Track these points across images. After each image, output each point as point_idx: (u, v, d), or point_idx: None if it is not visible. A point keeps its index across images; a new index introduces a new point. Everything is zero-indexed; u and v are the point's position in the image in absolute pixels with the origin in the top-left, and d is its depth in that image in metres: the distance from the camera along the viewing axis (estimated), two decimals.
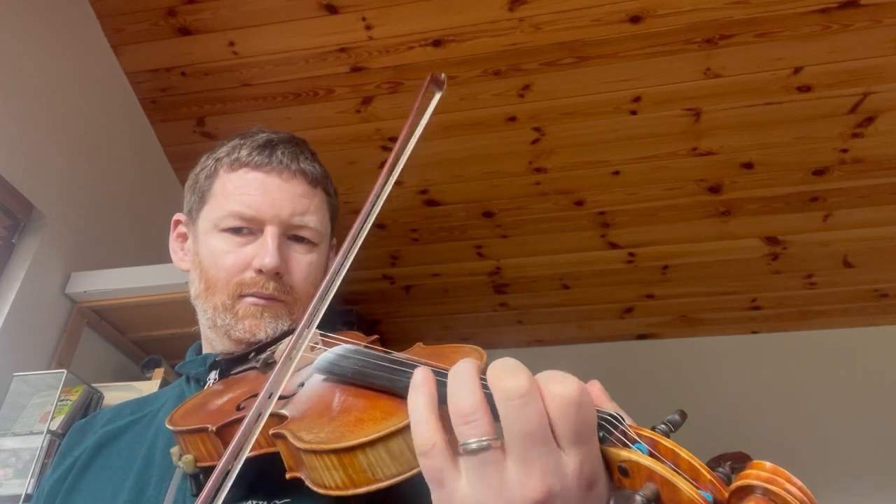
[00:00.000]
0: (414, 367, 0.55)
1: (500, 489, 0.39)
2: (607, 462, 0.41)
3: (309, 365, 0.67)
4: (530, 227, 2.72)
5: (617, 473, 0.41)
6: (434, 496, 0.42)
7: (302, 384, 0.65)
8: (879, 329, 3.03)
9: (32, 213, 1.92)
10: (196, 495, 0.68)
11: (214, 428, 0.63)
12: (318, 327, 0.66)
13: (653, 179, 2.49)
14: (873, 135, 2.28)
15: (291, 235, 0.86)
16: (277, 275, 0.82)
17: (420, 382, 0.44)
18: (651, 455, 0.40)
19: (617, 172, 2.48)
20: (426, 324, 3.23)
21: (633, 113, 2.30)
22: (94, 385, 1.75)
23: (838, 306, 2.97)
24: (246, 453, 0.53)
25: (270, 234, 0.83)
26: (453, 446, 0.41)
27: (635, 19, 2.07)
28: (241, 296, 0.82)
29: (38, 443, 1.60)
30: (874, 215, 2.54)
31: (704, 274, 2.86)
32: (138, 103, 2.44)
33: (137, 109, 2.44)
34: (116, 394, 1.74)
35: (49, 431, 1.61)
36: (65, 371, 1.71)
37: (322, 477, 0.52)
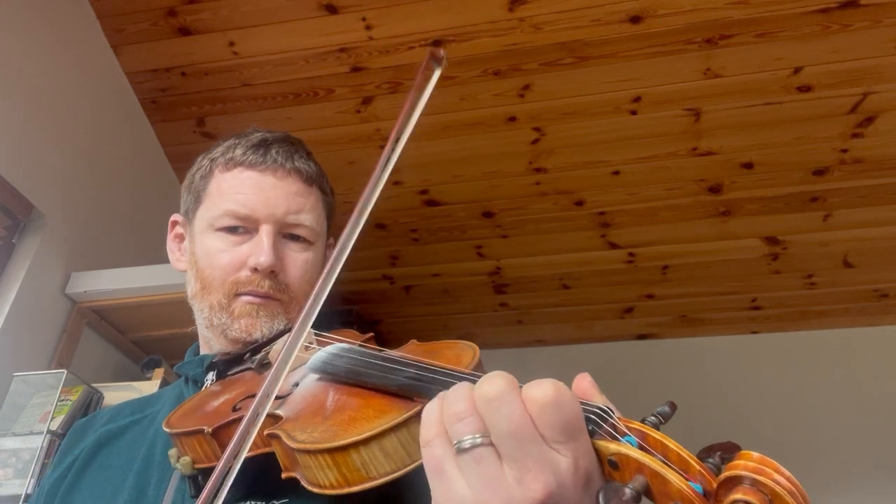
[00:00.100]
0: (407, 365, 0.55)
1: (496, 488, 0.40)
2: (597, 456, 0.41)
3: (303, 365, 0.67)
4: (530, 227, 2.72)
5: (607, 467, 0.41)
6: (434, 490, 0.43)
7: (297, 384, 0.65)
8: (879, 329, 3.02)
9: (32, 213, 1.92)
10: (195, 497, 0.68)
11: (210, 430, 0.63)
12: (314, 326, 0.66)
13: (653, 179, 2.49)
14: (873, 135, 2.28)
15: (287, 234, 0.86)
16: (273, 273, 0.82)
17: (441, 394, 0.46)
18: (641, 448, 0.40)
19: (617, 172, 2.48)
20: (426, 324, 3.23)
21: (633, 113, 2.30)
22: (94, 385, 1.75)
23: (838, 306, 2.97)
24: (244, 454, 0.54)
25: (265, 233, 0.83)
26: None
27: (635, 19, 2.07)
28: (237, 295, 0.82)
29: (38, 443, 1.60)
30: (874, 215, 2.54)
31: (704, 274, 2.86)
32: (138, 103, 2.44)
33: (137, 109, 2.44)
34: (116, 394, 1.74)
35: (49, 431, 1.61)
36: (65, 371, 1.71)
37: (317, 476, 0.52)
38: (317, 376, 0.65)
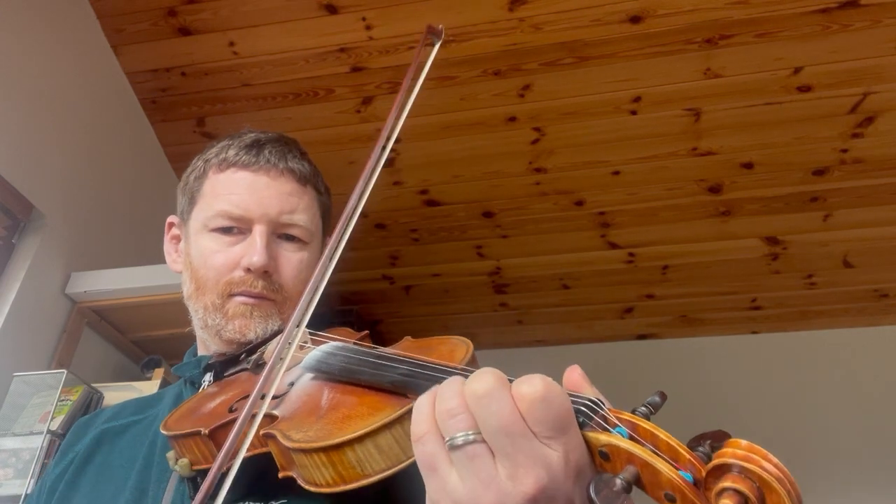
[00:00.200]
0: (400, 362, 0.55)
1: (489, 483, 0.40)
2: (589, 447, 0.42)
3: (298, 364, 0.67)
4: (530, 227, 2.72)
5: (598, 458, 0.41)
6: (428, 486, 0.44)
7: (292, 383, 0.65)
8: (879, 329, 3.02)
9: (32, 213, 1.92)
10: (193, 497, 0.68)
11: (207, 431, 0.63)
12: (309, 325, 0.66)
13: (653, 179, 2.49)
14: (873, 135, 2.28)
15: (281, 234, 0.86)
16: (266, 273, 0.82)
17: (432, 390, 0.46)
18: (631, 438, 0.40)
19: (617, 172, 2.48)
20: (426, 324, 3.23)
21: (633, 113, 2.30)
22: (94, 385, 1.75)
23: (838, 306, 2.97)
24: (242, 454, 0.54)
25: (259, 233, 0.83)
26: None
27: (635, 19, 2.07)
28: (231, 295, 0.82)
29: (38, 443, 1.60)
30: (874, 215, 2.54)
31: (704, 274, 2.86)
32: (138, 103, 2.43)
33: (137, 109, 2.44)
34: (116, 394, 1.74)
35: (49, 431, 1.61)
36: (65, 371, 1.71)
37: (313, 475, 0.52)
38: (312, 375, 0.65)
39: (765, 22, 2.04)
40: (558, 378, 0.45)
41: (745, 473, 0.35)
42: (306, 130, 2.41)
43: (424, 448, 0.43)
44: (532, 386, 0.41)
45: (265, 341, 0.80)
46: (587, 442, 0.42)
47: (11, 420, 1.69)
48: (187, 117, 2.47)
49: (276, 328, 0.82)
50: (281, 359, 0.63)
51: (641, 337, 3.26)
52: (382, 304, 3.14)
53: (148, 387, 1.77)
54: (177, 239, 0.94)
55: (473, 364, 0.56)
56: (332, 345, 0.67)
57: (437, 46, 0.70)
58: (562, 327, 3.22)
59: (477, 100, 2.30)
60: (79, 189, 2.10)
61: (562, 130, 2.37)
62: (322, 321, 0.72)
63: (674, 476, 0.38)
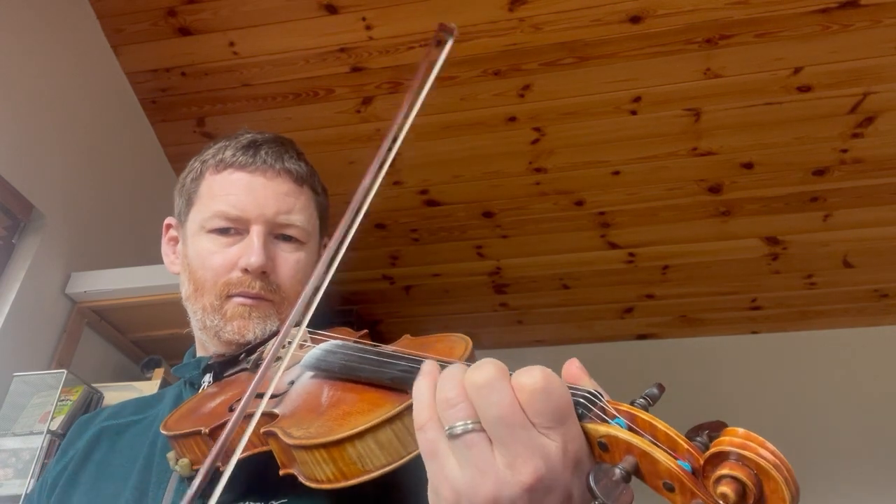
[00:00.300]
0: (399, 358, 0.56)
1: (487, 472, 0.41)
2: (588, 438, 0.42)
3: (298, 363, 0.68)
4: (530, 227, 2.72)
5: (597, 449, 0.42)
6: (429, 472, 0.44)
7: (292, 382, 0.65)
8: (879, 329, 3.02)
9: (32, 213, 1.92)
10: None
11: (207, 430, 0.63)
12: (308, 325, 0.67)
13: (653, 179, 2.49)
14: (873, 135, 2.28)
15: (278, 234, 0.86)
16: (264, 274, 0.82)
17: (427, 371, 0.47)
18: (630, 429, 0.40)
19: (617, 172, 2.48)
20: (426, 324, 3.23)
21: (633, 113, 2.30)
22: (94, 385, 1.75)
23: (838, 306, 2.97)
24: (238, 452, 0.54)
25: (256, 234, 0.83)
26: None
27: (635, 19, 2.07)
28: (229, 296, 0.82)
29: (38, 443, 1.60)
30: (874, 215, 2.54)
31: (704, 274, 2.86)
32: (138, 103, 2.44)
33: (137, 109, 2.44)
34: (116, 394, 1.74)
35: (49, 431, 1.61)
36: (65, 371, 1.71)
37: (314, 471, 0.53)
38: (312, 373, 0.65)
39: (765, 22, 2.04)
40: (558, 374, 0.45)
41: (743, 461, 0.36)
42: (306, 130, 2.41)
43: (426, 436, 0.44)
44: (532, 377, 0.42)
45: (264, 341, 0.80)
46: (586, 433, 0.42)
47: (11, 420, 1.69)
48: (187, 117, 2.47)
49: (274, 328, 0.82)
50: (279, 358, 0.63)
51: (641, 337, 3.26)
52: (382, 304, 3.14)
53: (148, 387, 1.77)
54: (174, 240, 0.94)
55: (472, 361, 0.56)
56: (332, 343, 0.67)
57: (449, 44, 0.71)
58: (562, 327, 3.22)
59: (477, 100, 2.30)
60: (79, 189, 2.10)
61: (562, 130, 2.37)
62: (322, 321, 0.72)
63: (672, 465, 0.38)
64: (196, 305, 0.85)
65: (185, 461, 0.66)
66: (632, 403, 0.42)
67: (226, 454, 0.56)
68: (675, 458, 0.38)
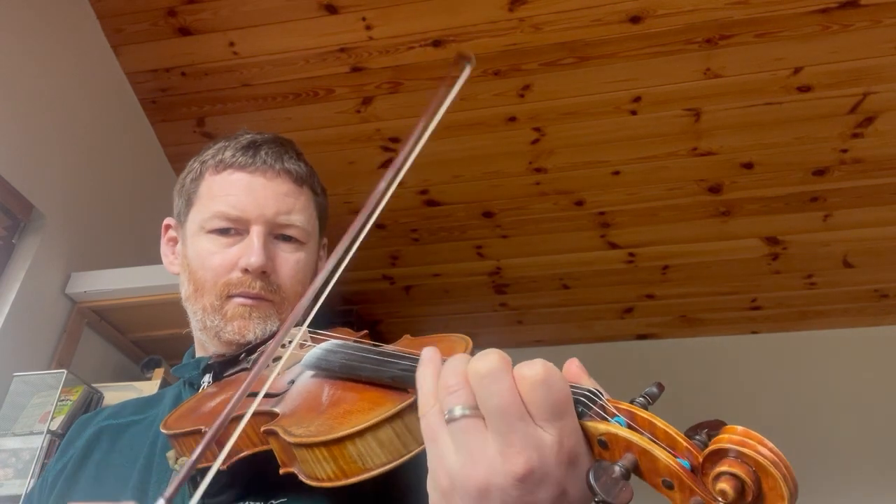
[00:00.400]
0: (400, 358, 0.56)
1: (479, 458, 0.41)
2: (587, 436, 0.42)
3: (298, 362, 0.68)
4: (530, 227, 2.72)
5: (597, 447, 0.42)
6: (429, 456, 0.45)
7: (292, 381, 0.66)
8: (879, 329, 3.03)
9: (32, 213, 1.92)
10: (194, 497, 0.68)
11: (207, 429, 0.63)
12: (310, 325, 0.67)
13: (653, 179, 2.49)
14: (873, 135, 2.28)
15: (278, 235, 0.86)
16: (264, 274, 0.82)
17: (428, 359, 0.48)
18: (629, 427, 0.41)
19: (617, 172, 2.48)
20: (426, 324, 3.23)
21: (633, 113, 2.30)
22: (94, 385, 1.75)
23: (838, 306, 2.97)
24: (229, 446, 0.54)
25: (256, 234, 0.83)
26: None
27: (635, 19, 2.07)
28: (229, 296, 0.82)
29: (38, 443, 1.60)
30: (874, 215, 2.54)
31: (704, 274, 2.86)
32: (138, 103, 2.44)
33: (137, 109, 2.44)
34: (116, 394, 1.74)
35: (49, 431, 1.61)
36: (65, 371, 1.71)
37: (314, 469, 0.53)
38: (312, 373, 0.65)
39: (765, 22, 2.04)
40: None
41: (742, 458, 0.36)
42: (306, 130, 2.41)
43: (426, 420, 0.45)
44: (534, 369, 0.42)
45: (264, 341, 0.80)
46: (586, 431, 0.42)
47: (11, 420, 1.69)
48: (187, 117, 2.47)
49: (274, 329, 0.82)
50: (277, 359, 0.63)
51: (641, 337, 3.26)
52: (382, 304, 3.14)
53: (148, 387, 1.77)
54: (174, 241, 0.94)
55: None
56: (332, 342, 0.68)
57: (466, 72, 0.72)
58: (562, 327, 3.22)
59: (477, 100, 2.31)
60: (79, 189, 2.10)
61: (562, 130, 2.37)
62: (322, 321, 0.72)
63: (671, 463, 0.38)
64: (196, 306, 0.85)
65: (185, 460, 0.66)
66: (631, 402, 0.43)
67: (217, 444, 0.56)
68: (675, 456, 0.39)
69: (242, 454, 0.62)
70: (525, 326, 3.24)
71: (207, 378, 0.82)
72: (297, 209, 0.87)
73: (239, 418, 0.56)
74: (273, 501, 0.65)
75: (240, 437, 0.62)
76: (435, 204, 2.66)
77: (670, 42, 2.11)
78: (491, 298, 3.08)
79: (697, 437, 0.40)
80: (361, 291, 3.04)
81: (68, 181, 2.06)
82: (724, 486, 0.35)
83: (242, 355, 0.80)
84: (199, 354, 0.90)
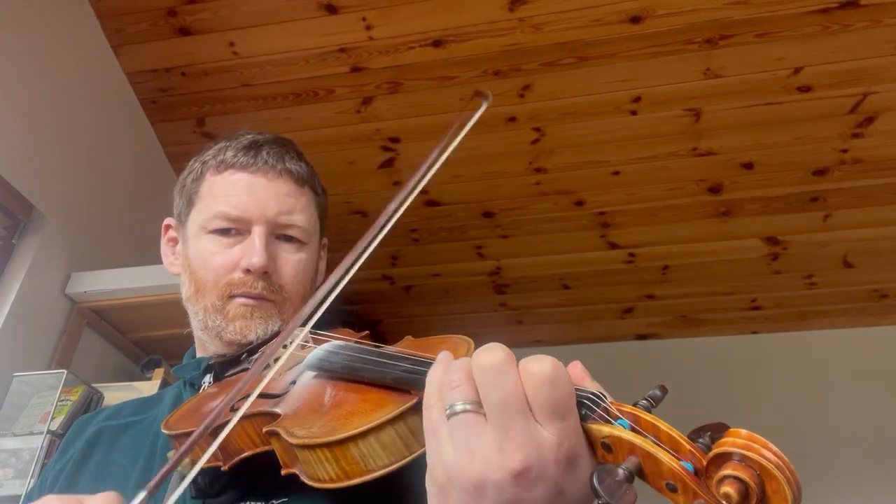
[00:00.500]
0: (402, 359, 0.56)
1: (476, 453, 0.41)
2: (591, 439, 0.42)
3: (300, 363, 0.68)
4: (530, 227, 2.72)
5: (601, 450, 0.42)
6: (428, 451, 0.45)
7: (294, 382, 0.66)
8: (879, 329, 3.03)
9: (32, 213, 1.92)
10: (195, 497, 0.68)
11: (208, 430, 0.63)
12: (311, 326, 0.67)
13: (653, 179, 2.49)
14: (873, 135, 2.28)
15: (280, 235, 0.86)
16: (266, 274, 0.82)
17: (441, 359, 0.49)
18: (633, 430, 0.41)
19: (617, 172, 2.48)
20: (426, 324, 3.23)
21: (633, 113, 2.30)
22: (94, 385, 1.75)
23: (838, 306, 2.97)
24: (217, 444, 0.54)
25: (257, 234, 0.83)
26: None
27: (635, 19, 2.07)
28: (231, 296, 0.82)
29: (38, 443, 1.60)
30: (874, 215, 2.54)
31: (704, 274, 2.86)
32: (138, 103, 2.44)
33: (137, 109, 2.44)
34: (116, 394, 1.74)
35: (49, 431, 1.61)
36: (65, 371, 1.71)
37: (316, 470, 0.53)
38: (314, 373, 0.65)
39: (765, 22, 2.04)
40: None
41: (746, 461, 0.36)
42: (306, 131, 2.41)
43: (429, 415, 0.45)
44: (542, 365, 0.42)
45: (266, 342, 0.80)
46: (590, 434, 0.42)
47: (11, 420, 1.69)
48: (187, 117, 2.47)
49: (276, 329, 0.82)
50: (276, 360, 0.63)
51: (641, 337, 3.26)
52: (382, 304, 3.14)
53: (148, 387, 1.77)
54: (174, 241, 0.94)
55: None
56: (334, 343, 0.68)
57: (483, 108, 0.73)
58: (562, 327, 3.22)
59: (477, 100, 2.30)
60: (79, 189, 2.10)
61: (562, 130, 2.37)
62: (323, 322, 0.72)
63: (675, 466, 0.38)
64: (197, 306, 0.85)
65: (185, 460, 0.66)
66: (634, 405, 0.43)
67: (210, 436, 0.56)
68: (678, 459, 0.39)
69: (244, 455, 0.62)
70: (525, 326, 3.24)
71: (208, 378, 0.82)
72: (298, 209, 0.87)
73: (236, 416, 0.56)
74: (274, 502, 0.65)
75: (241, 437, 0.62)
76: (435, 204, 2.66)
77: (670, 42, 2.11)
78: (491, 298, 3.08)
79: (701, 440, 0.40)
80: (361, 291, 3.04)
81: (68, 181, 2.06)
82: (729, 489, 0.35)
83: (244, 355, 0.80)
84: (199, 355, 0.90)
